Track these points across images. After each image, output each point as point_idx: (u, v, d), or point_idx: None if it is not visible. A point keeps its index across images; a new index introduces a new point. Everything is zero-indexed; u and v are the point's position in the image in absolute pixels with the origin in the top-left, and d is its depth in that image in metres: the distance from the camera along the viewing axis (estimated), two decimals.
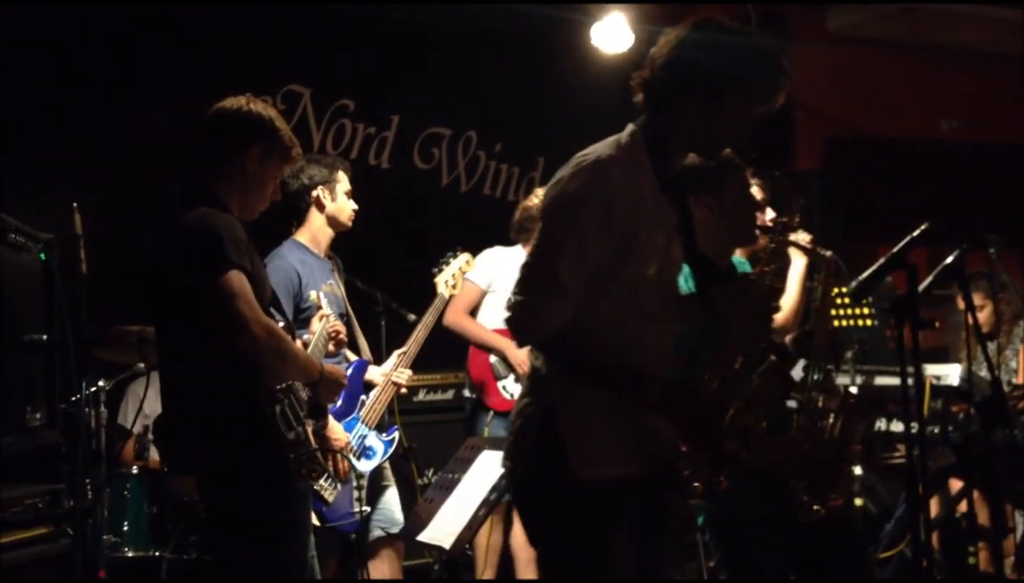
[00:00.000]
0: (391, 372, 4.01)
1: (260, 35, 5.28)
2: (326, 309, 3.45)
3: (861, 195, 6.76)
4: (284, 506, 2.66)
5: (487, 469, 3.26)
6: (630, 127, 2.37)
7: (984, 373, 4.97)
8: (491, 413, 4.55)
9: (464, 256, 4.34)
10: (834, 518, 2.81)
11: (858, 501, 4.74)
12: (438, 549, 3.10)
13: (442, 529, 3.11)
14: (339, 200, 3.98)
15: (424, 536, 3.15)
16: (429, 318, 4.11)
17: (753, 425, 2.29)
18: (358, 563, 3.86)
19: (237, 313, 2.55)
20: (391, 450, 3.99)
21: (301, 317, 3.72)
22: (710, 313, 2.39)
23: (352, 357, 4.03)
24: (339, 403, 3.84)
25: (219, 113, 2.84)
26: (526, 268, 2.27)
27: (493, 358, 4.58)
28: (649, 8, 5.78)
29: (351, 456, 3.81)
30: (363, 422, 3.93)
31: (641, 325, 2.30)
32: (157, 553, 3.81)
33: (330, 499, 3.74)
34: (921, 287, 2.79)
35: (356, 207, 4.03)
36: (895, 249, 2.71)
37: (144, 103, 4.90)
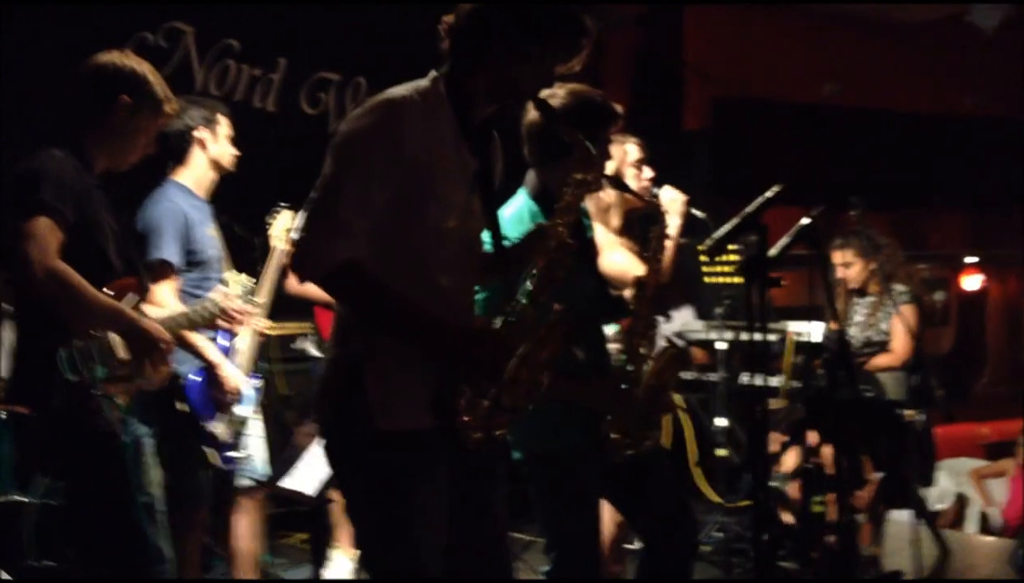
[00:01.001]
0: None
1: None
2: (234, 291, 3.45)
3: (745, 155, 6.92)
4: (81, 451, 2.76)
5: None
6: (432, 73, 2.37)
7: (854, 332, 5.19)
8: None
9: (288, 213, 4.23)
10: (645, 458, 2.91)
11: (722, 451, 4.94)
12: (301, 496, 3.13)
13: (305, 476, 3.14)
14: (221, 142, 3.93)
15: (287, 482, 3.17)
16: (271, 273, 4.00)
17: (533, 375, 2.28)
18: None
19: (23, 254, 2.63)
20: (258, 398, 3.98)
21: (192, 260, 3.72)
22: (506, 265, 2.42)
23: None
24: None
25: (90, 67, 2.95)
26: (308, 204, 2.25)
27: None
28: None
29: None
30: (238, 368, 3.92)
31: (441, 276, 2.31)
32: (20, 498, 3.76)
33: (224, 441, 3.74)
34: (777, 248, 2.89)
35: (237, 152, 3.98)
36: (747, 209, 2.81)
37: (23, 46, 4.74)
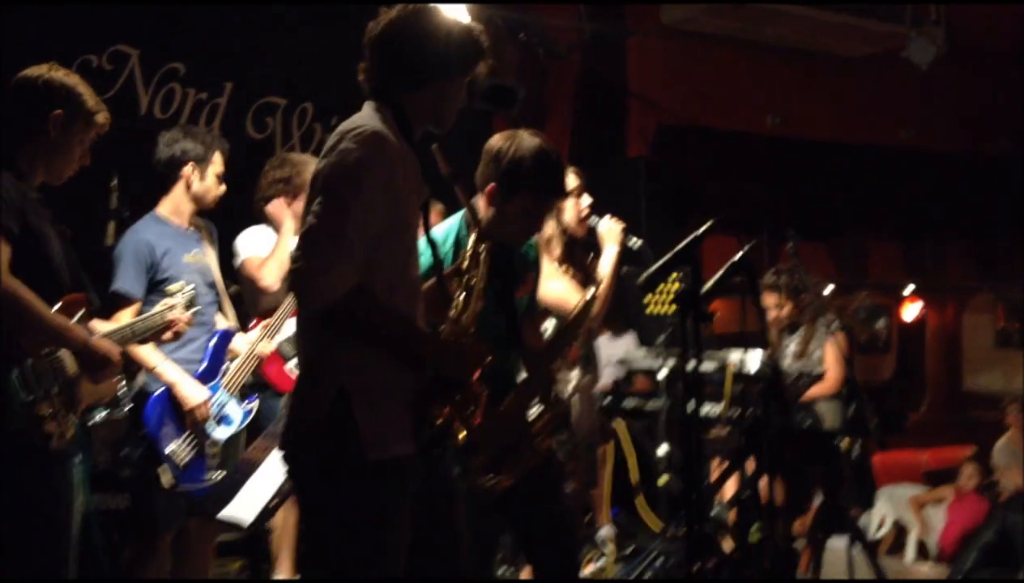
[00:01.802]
0: (256, 342, 4.02)
1: None
2: (177, 300, 3.43)
3: (689, 183, 7.02)
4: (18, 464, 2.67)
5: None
6: (374, 104, 2.48)
7: (787, 364, 5.27)
8: (284, 397, 4.52)
9: None
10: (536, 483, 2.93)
11: (663, 479, 4.97)
12: (238, 527, 3.11)
13: (244, 507, 3.12)
14: (208, 181, 3.94)
15: (226, 513, 3.15)
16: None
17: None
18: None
19: None
20: (249, 419, 4.01)
21: (159, 288, 3.73)
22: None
23: (221, 325, 4.04)
24: (202, 367, 3.88)
25: (20, 82, 2.92)
26: (310, 233, 2.27)
27: (279, 338, 4.50)
28: None
29: (209, 423, 3.84)
30: (224, 389, 3.94)
31: (409, 300, 2.41)
32: None
33: (182, 463, 3.77)
34: (711, 282, 2.94)
35: (222, 190, 3.99)
36: (680, 245, 2.86)
37: None
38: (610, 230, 3.76)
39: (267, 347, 4.06)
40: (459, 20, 2.53)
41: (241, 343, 4.07)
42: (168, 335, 3.37)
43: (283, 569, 4.47)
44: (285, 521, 4.44)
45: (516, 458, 2.67)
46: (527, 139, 2.99)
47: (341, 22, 5.91)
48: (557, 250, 3.90)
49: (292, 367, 4.47)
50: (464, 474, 2.63)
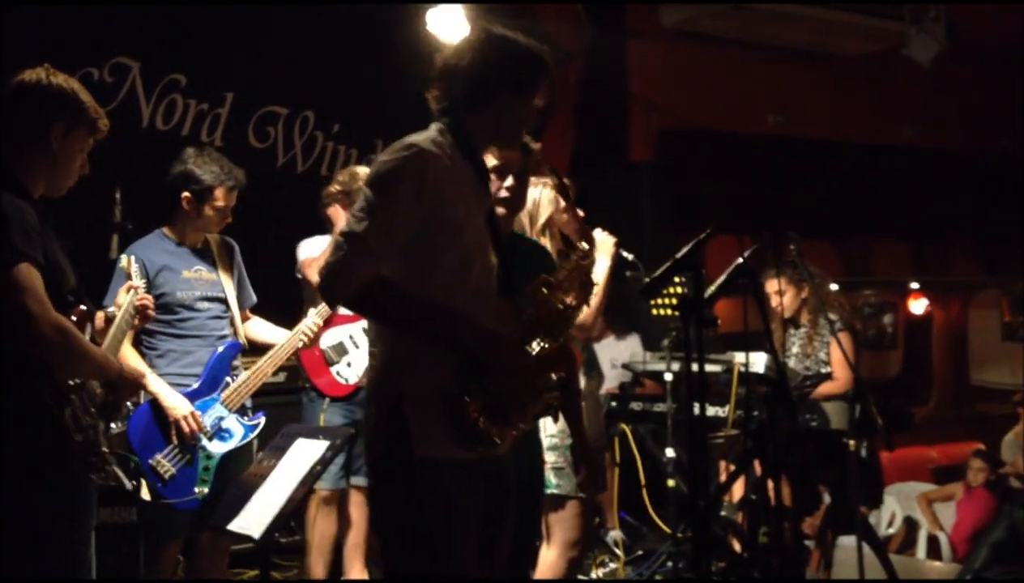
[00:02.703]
0: (264, 361, 4.04)
1: (88, 4, 5.07)
2: (136, 281, 3.37)
3: (691, 186, 7.02)
4: (67, 514, 2.61)
5: (301, 457, 3.27)
6: (438, 125, 2.60)
7: (792, 363, 5.26)
8: (327, 400, 4.56)
9: None
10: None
11: (671, 481, 4.97)
12: (248, 538, 3.10)
13: (253, 518, 3.11)
14: (205, 213, 3.92)
15: (235, 525, 3.14)
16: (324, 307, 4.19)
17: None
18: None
19: (24, 309, 2.47)
20: (252, 435, 3.99)
21: (161, 303, 3.74)
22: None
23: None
24: (198, 384, 3.87)
25: (18, 88, 2.74)
26: (339, 234, 2.45)
27: (324, 344, 4.58)
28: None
29: (202, 435, 3.81)
30: (223, 404, 3.92)
31: (470, 302, 2.50)
32: None
33: (166, 475, 3.73)
34: (714, 286, 2.95)
35: (226, 221, 4.00)
36: (680, 252, 2.86)
37: None
38: (603, 243, 3.74)
39: (269, 369, 4.04)
40: (523, 39, 2.60)
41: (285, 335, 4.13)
42: (137, 321, 3.27)
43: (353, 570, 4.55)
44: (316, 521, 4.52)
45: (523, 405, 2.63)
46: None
47: (341, 30, 5.99)
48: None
49: (337, 372, 4.54)
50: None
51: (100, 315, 3.09)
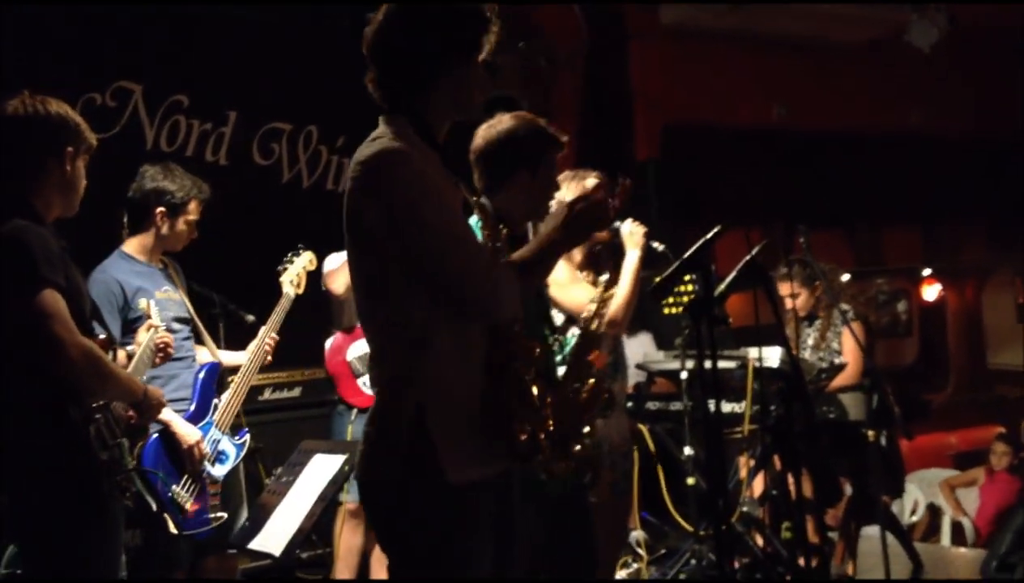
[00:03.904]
0: (241, 378, 3.94)
1: (88, 30, 5.11)
2: (155, 320, 3.38)
3: (698, 182, 7.00)
4: (96, 531, 2.63)
5: (319, 472, 3.28)
6: (386, 117, 2.33)
7: (807, 355, 5.24)
8: (355, 411, 4.55)
9: (307, 255, 4.31)
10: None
11: (691, 480, 4.95)
12: (269, 556, 3.11)
13: (272, 536, 3.11)
14: (178, 228, 3.87)
15: (255, 543, 3.14)
16: (276, 318, 4.05)
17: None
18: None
19: (53, 335, 2.51)
20: (243, 453, 3.95)
21: (133, 328, 3.63)
22: None
23: (205, 359, 3.99)
24: (192, 408, 3.82)
25: (22, 119, 2.74)
26: (439, 270, 2.21)
27: (350, 355, 4.58)
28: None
29: (206, 461, 3.76)
30: (216, 426, 3.87)
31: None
32: None
33: (188, 507, 3.67)
34: (724, 284, 2.93)
35: (193, 236, 3.94)
36: (690, 250, 2.84)
37: None
38: (632, 233, 3.67)
39: (245, 388, 3.96)
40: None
41: (239, 357, 4.03)
42: (158, 359, 3.32)
43: None
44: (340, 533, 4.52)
45: (573, 441, 2.57)
46: (505, 120, 2.96)
47: (341, 44, 5.96)
48: (578, 256, 3.78)
49: (364, 383, 4.55)
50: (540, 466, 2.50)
51: (122, 353, 3.17)
